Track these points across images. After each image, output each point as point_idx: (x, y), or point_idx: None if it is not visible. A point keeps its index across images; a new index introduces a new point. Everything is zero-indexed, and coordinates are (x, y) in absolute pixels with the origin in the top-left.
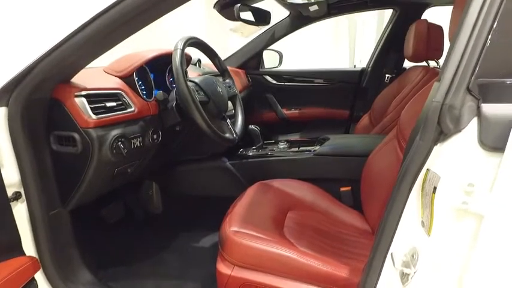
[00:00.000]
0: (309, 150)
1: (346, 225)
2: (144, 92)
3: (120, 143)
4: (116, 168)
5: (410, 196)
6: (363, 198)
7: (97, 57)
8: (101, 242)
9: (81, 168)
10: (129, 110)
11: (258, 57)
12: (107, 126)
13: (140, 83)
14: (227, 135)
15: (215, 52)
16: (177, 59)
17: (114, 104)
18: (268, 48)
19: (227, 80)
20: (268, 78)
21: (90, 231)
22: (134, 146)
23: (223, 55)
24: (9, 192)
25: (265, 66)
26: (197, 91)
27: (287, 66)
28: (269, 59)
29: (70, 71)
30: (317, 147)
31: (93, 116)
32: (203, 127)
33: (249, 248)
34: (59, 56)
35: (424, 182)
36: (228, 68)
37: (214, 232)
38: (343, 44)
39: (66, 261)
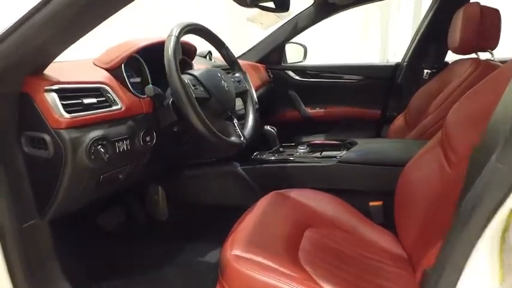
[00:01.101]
0: (334, 157)
1: (376, 248)
2: (138, 87)
3: (100, 146)
4: (101, 174)
5: (479, 246)
6: (396, 215)
7: (70, 43)
8: (96, 252)
9: (55, 175)
10: (114, 107)
11: (279, 51)
12: (83, 127)
13: (134, 76)
14: (232, 138)
15: (222, 41)
16: (170, 48)
17: (94, 100)
18: (291, 41)
19: (237, 74)
20: (291, 73)
21: (85, 241)
22: (120, 150)
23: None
24: None
25: (288, 61)
26: (195, 86)
27: (312, 61)
28: (292, 53)
29: (39, 60)
30: (343, 153)
31: (66, 115)
32: (199, 128)
33: (251, 279)
34: (19, 40)
35: (506, 230)
36: (247, 62)
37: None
38: (374, 36)
39: (45, 280)
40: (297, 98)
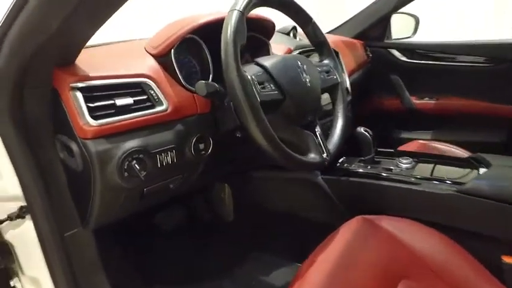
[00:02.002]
0: (452, 181)
1: None
2: (196, 77)
3: (135, 161)
4: (143, 188)
5: None
6: None
7: (96, 25)
8: (152, 255)
9: (87, 190)
10: (158, 108)
11: (383, 24)
12: (115, 136)
13: (192, 64)
14: (311, 156)
15: (307, 16)
16: (228, 28)
17: (130, 100)
18: (399, 11)
19: (325, 61)
20: (396, 53)
21: (140, 242)
22: (162, 164)
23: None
24: (15, 206)
25: (393, 37)
26: (263, 83)
27: (423, 37)
28: (399, 27)
29: (62, 49)
30: (467, 177)
31: (92, 122)
32: (262, 144)
33: None
34: (26, 26)
35: None
36: (341, 38)
37: (290, 264)
38: None
39: None
40: (400, 84)
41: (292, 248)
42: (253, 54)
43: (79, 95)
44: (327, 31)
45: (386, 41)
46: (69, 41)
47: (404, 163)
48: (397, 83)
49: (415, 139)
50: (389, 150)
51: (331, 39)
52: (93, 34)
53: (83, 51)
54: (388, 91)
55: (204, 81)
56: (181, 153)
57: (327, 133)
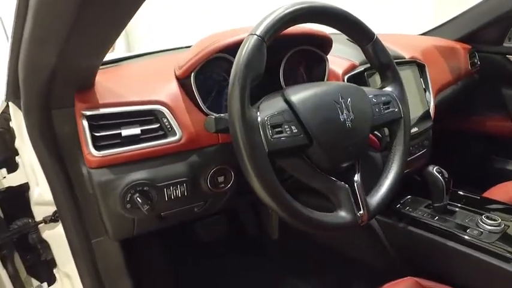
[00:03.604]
0: None
1: None
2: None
3: (137, 195)
4: (160, 212)
5: None
6: None
7: (97, 53)
8: (186, 264)
9: (98, 210)
10: (170, 139)
11: (502, 24)
12: (119, 166)
13: (222, 86)
14: (340, 214)
15: (367, 31)
16: (241, 59)
17: (137, 130)
18: None
19: (388, 89)
20: None
21: (177, 252)
22: (171, 198)
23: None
24: (51, 210)
25: None
26: (281, 125)
27: None
28: None
29: (74, 72)
30: None
31: (94, 152)
32: (267, 204)
33: None
34: (29, 59)
35: None
36: (438, 43)
37: None
38: None
39: None
40: None
41: (329, 285)
42: (309, 70)
43: (85, 123)
44: (422, 32)
45: (506, 44)
46: (76, 69)
47: (489, 224)
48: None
49: None
50: (471, 195)
51: (421, 43)
52: (102, 59)
53: (110, 70)
54: (495, 109)
55: (214, 116)
56: (195, 186)
57: (372, 188)
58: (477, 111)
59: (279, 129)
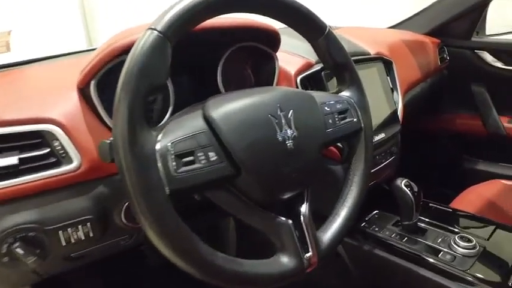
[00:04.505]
0: None
1: None
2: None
3: (18, 244)
4: (70, 253)
5: None
6: None
7: None
8: None
9: None
10: (63, 167)
11: (471, 17)
12: None
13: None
14: (282, 260)
15: (318, 23)
16: (132, 61)
17: (14, 160)
18: None
19: (344, 94)
20: (487, 56)
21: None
22: (69, 242)
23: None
24: None
25: (487, 33)
26: (192, 152)
27: None
28: (498, 19)
29: None
30: None
31: None
32: (181, 267)
33: None
34: None
35: None
36: (406, 37)
37: None
38: None
39: None
40: (485, 99)
41: None
42: (257, 71)
43: None
44: (389, 25)
45: (474, 38)
46: None
47: (464, 247)
48: (482, 97)
49: (497, 175)
50: (443, 207)
51: (388, 37)
52: None
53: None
54: (465, 107)
55: (109, 140)
56: (105, 224)
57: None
58: (446, 110)
59: (190, 158)
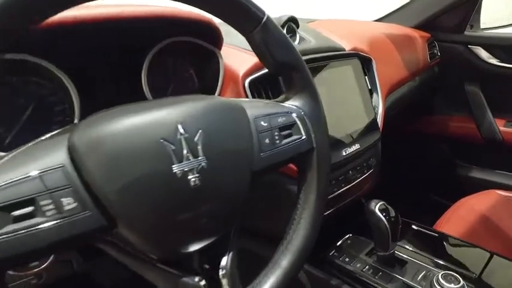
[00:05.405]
0: None
1: None
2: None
3: None
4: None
5: None
6: None
7: None
8: None
9: None
10: None
11: (464, 8)
12: None
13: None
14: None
15: (254, 10)
16: None
17: None
18: None
19: (293, 102)
20: (481, 52)
21: None
22: None
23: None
24: None
25: (482, 26)
26: (40, 199)
27: None
28: (494, 11)
29: None
30: None
31: None
32: None
33: None
34: None
35: None
36: (393, 30)
37: None
38: None
39: None
40: (479, 99)
41: None
42: (199, 71)
43: None
44: (376, 18)
45: (467, 32)
46: None
47: (443, 280)
48: (476, 97)
49: (493, 184)
50: (426, 231)
51: (370, 31)
52: None
53: None
54: (458, 108)
55: None
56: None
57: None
58: (437, 111)
59: (29, 208)
